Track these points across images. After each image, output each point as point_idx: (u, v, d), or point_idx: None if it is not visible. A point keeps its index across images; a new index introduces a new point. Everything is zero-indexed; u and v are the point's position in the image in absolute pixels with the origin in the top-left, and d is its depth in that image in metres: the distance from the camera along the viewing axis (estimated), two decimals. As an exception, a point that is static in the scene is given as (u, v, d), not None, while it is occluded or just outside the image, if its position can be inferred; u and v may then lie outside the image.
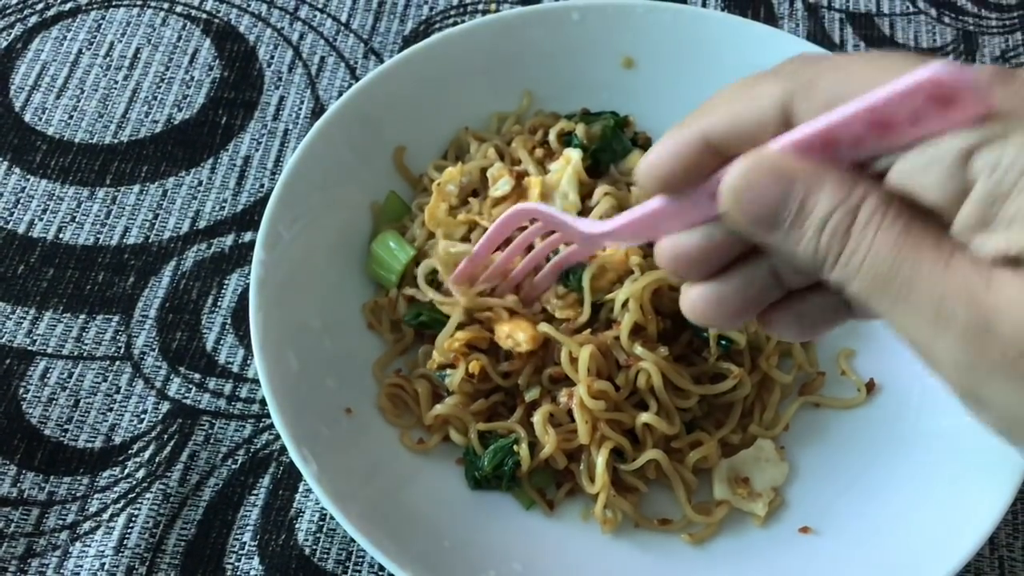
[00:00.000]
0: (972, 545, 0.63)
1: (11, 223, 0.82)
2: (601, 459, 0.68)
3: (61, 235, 0.81)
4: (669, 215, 0.48)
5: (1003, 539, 0.71)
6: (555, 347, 0.70)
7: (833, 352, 0.76)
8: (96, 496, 0.71)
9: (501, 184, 0.75)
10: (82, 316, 0.78)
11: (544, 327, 0.70)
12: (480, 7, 0.96)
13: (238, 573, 0.68)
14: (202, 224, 0.83)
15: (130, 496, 0.71)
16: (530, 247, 0.70)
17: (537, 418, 0.69)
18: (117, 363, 0.76)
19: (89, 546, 0.69)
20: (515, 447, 0.69)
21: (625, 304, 0.69)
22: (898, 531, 0.67)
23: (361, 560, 0.69)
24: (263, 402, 0.74)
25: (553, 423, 0.69)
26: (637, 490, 0.70)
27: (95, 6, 0.94)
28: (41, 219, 0.82)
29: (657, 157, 0.47)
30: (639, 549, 0.68)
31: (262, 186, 0.85)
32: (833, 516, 0.69)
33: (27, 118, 0.87)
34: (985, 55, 0.95)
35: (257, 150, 0.87)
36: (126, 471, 0.72)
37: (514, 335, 0.70)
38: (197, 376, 0.76)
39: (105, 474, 0.72)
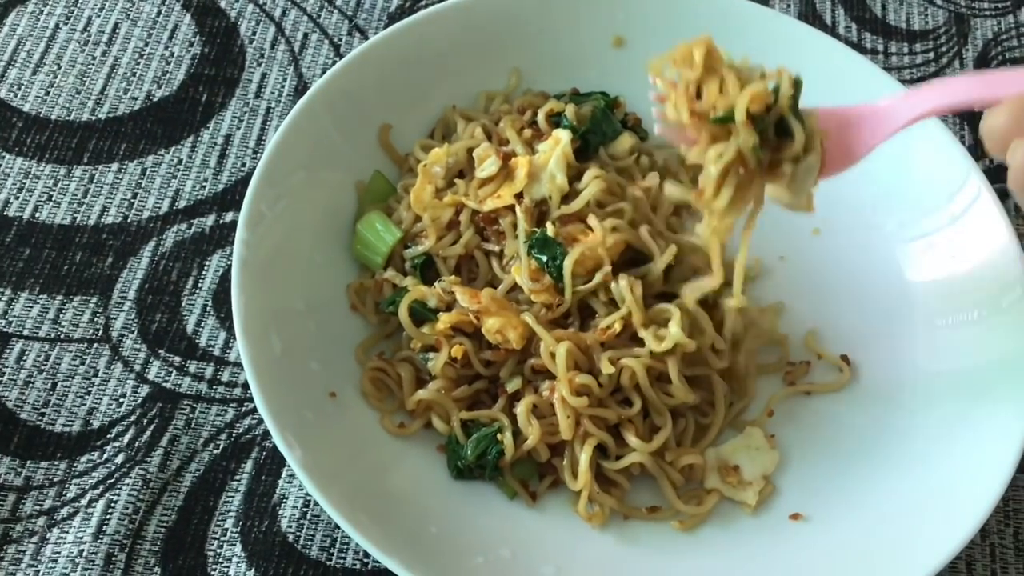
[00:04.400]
0: (965, 533, 0.62)
1: (-14, 201, 0.80)
2: (584, 456, 0.67)
3: (37, 214, 0.80)
4: None
5: (994, 527, 0.71)
6: (537, 338, 0.69)
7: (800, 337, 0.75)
8: (74, 481, 0.69)
9: (488, 165, 0.74)
10: (59, 297, 0.76)
11: (527, 318, 0.68)
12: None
13: (220, 560, 0.67)
14: (182, 204, 0.81)
15: (109, 481, 0.69)
16: None
17: (520, 409, 0.68)
18: (95, 346, 0.74)
19: (67, 532, 0.67)
20: (499, 436, 0.68)
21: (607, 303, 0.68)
22: (890, 518, 0.66)
23: (346, 547, 0.68)
24: (245, 386, 0.73)
25: (536, 415, 0.68)
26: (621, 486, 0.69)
27: (72, -21, 0.92)
28: (17, 198, 0.80)
29: None
30: (629, 536, 0.67)
31: (244, 165, 0.83)
32: (824, 503, 0.68)
33: (2, 94, 0.85)
34: (977, 38, 0.94)
35: (239, 128, 0.85)
36: (105, 456, 0.70)
37: (504, 332, 0.68)
38: (177, 359, 0.74)
39: (83, 459, 0.70)
